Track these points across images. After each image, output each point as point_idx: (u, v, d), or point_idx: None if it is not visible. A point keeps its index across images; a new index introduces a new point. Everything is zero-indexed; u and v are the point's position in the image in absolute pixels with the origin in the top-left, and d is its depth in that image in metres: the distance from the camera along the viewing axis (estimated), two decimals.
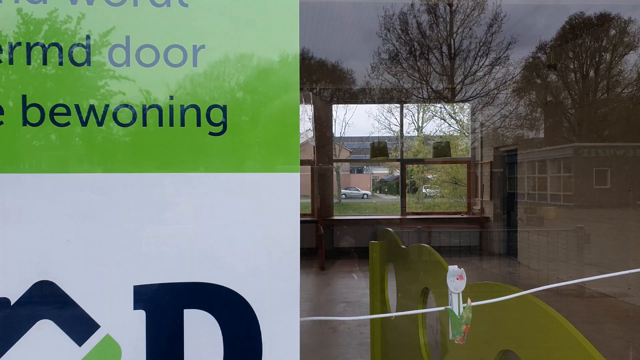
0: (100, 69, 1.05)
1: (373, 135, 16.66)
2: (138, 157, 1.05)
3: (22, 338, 0.98)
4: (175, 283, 1.02)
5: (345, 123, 24.16)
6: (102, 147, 1.04)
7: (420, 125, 16.08)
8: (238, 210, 1.04)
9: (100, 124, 1.04)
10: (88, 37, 1.04)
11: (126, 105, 1.05)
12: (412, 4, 13.18)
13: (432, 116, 15.55)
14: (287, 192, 1.05)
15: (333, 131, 10.30)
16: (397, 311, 3.08)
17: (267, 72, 1.06)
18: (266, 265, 1.06)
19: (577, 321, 4.82)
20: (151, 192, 1.04)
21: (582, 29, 11.15)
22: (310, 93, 10.06)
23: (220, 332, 1.01)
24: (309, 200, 10.06)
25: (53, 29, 1.03)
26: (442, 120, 15.16)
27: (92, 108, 1.04)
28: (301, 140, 15.87)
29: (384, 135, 16.04)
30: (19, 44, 1.02)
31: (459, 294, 1.06)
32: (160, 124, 1.05)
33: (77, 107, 1.03)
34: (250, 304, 1.03)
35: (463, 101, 12.92)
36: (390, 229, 3.28)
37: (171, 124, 1.05)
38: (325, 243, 9.11)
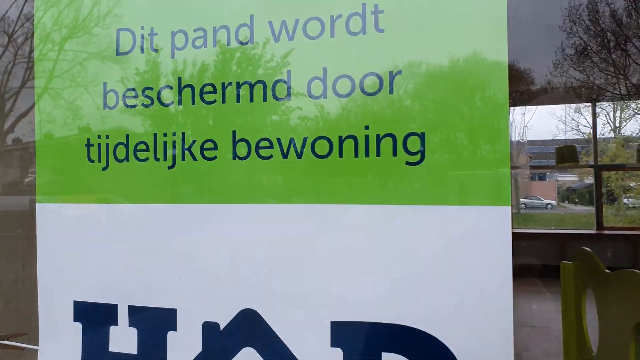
0: (300, 102, 1.07)
1: (557, 138, 15.10)
2: (332, 189, 1.04)
3: None
4: (373, 323, 0.97)
5: (524, 126, 22.41)
6: (299, 179, 1.06)
7: (617, 125, 14.07)
8: (439, 247, 0.96)
9: (299, 156, 1.06)
10: (289, 72, 1.07)
11: (323, 137, 1.05)
12: None
13: (633, 114, 13.47)
14: (496, 227, 0.94)
15: (511, 135, 9.55)
16: (600, 347, 2.67)
17: (471, 95, 0.97)
18: (472, 310, 0.96)
19: None
20: (344, 224, 1.02)
21: None
22: None
23: None
24: None
25: (258, 67, 1.08)
26: None
27: (292, 141, 1.06)
28: None
29: (571, 137, 14.43)
30: (230, 83, 1.09)
31: None
32: (356, 155, 1.02)
33: (278, 140, 1.07)
34: (454, 354, 0.94)
35: None
36: (588, 249, 2.87)
37: (366, 154, 1.02)
38: None
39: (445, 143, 0.98)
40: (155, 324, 1.11)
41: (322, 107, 1.05)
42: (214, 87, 1.10)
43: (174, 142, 1.13)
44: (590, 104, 10.07)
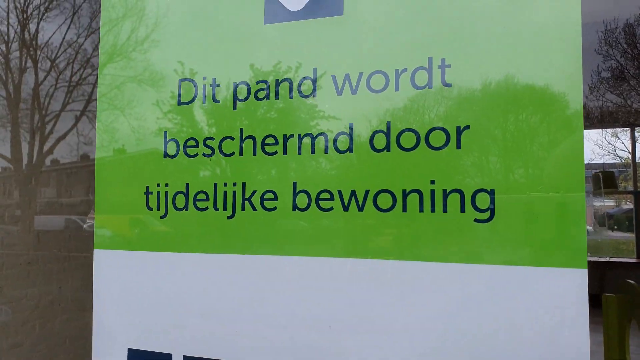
0: (362, 155, 1.05)
1: (593, 162, 14.66)
2: (395, 244, 1.02)
3: None
4: None
5: None
6: (360, 233, 1.04)
7: None
8: (508, 310, 0.92)
9: (360, 209, 1.04)
10: (351, 125, 1.06)
11: (386, 191, 1.03)
12: None
13: None
14: (571, 292, 0.89)
15: None
16: None
17: (544, 151, 0.94)
18: None
19: None
20: (406, 281, 0.99)
21: None
22: None
23: None
24: None
25: (321, 120, 1.07)
26: None
27: (353, 193, 1.05)
28: None
29: (608, 162, 14.00)
30: (292, 135, 1.09)
31: None
32: (421, 210, 1.00)
33: (339, 192, 1.05)
34: None
35: None
36: (632, 282, 2.75)
37: (432, 210, 0.99)
38: None
39: (517, 201, 0.95)
40: None
41: (385, 160, 1.03)
42: (276, 139, 1.10)
43: (234, 192, 1.12)
44: (628, 128, 9.82)
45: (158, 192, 1.19)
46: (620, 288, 3.08)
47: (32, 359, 2.78)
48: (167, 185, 1.19)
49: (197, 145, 1.17)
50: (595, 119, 10.70)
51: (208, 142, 1.16)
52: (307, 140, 1.08)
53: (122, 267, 1.22)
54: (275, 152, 1.10)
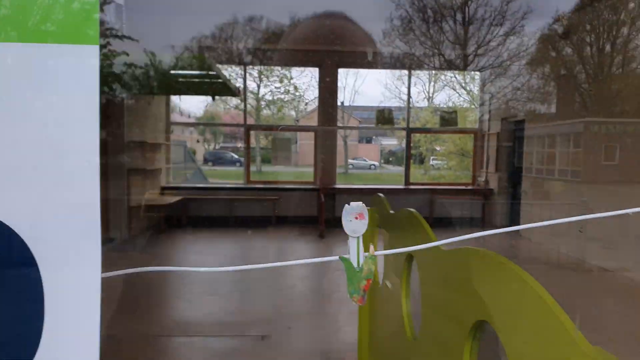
0: None
1: (383, 104, 16.40)
2: None
3: None
4: None
5: (355, 91, 23.86)
6: None
7: (430, 95, 15.78)
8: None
9: None
10: None
11: None
12: None
13: (444, 86, 15.23)
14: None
15: (338, 95, 10.10)
16: (384, 277, 3.01)
17: None
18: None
19: (574, 295, 4.72)
20: None
21: (600, 1, 10.74)
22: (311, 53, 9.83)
23: None
24: (312, 169, 9.97)
25: None
26: (453, 91, 14.86)
27: None
28: (309, 108, 15.63)
29: (395, 105, 15.77)
30: None
31: (358, 238, 0.78)
32: None
33: None
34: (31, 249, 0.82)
35: (474, 70, 12.66)
36: (381, 194, 3.18)
37: None
38: (326, 211, 9.05)
39: None
40: None
41: None
42: None
43: None
44: (407, 72, 11.07)
45: None
46: (372, 201, 3.55)
47: None
48: None
49: None
50: (386, 63, 11.82)
51: None
52: None
53: None
54: None
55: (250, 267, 0.86)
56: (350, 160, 21.36)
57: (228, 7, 11.70)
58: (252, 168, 17.15)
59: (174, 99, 10.23)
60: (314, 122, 10.07)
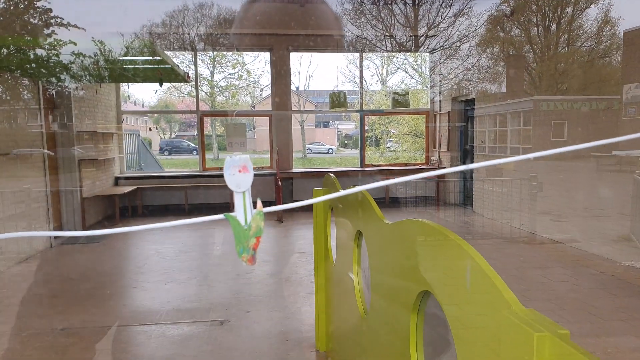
0: None
1: (338, 89, 16.47)
2: None
3: None
4: None
5: (310, 76, 23.80)
6: None
7: (384, 78, 15.93)
8: None
9: None
10: None
11: None
12: None
13: (396, 69, 15.41)
14: None
15: (291, 80, 10.04)
16: (337, 256, 3.07)
17: None
18: None
19: (526, 266, 4.92)
20: None
21: None
22: (268, 37, 9.72)
23: None
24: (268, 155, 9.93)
25: None
26: (405, 73, 15.06)
27: None
28: (265, 93, 15.46)
29: (350, 89, 15.85)
30: None
31: (244, 194, 0.71)
32: None
33: None
34: None
35: (425, 52, 12.88)
36: (332, 175, 3.22)
37: None
38: (283, 196, 9.05)
39: None
40: None
41: None
42: None
43: None
44: (359, 55, 11.10)
45: None
46: (324, 182, 3.58)
47: None
48: None
49: None
50: (338, 47, 11.81)
51: None
52: None
53: None
54: None
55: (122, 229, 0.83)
56: (308, 145, 21.41)
57: None
58: (210, 155, 16.92)
59: (125, 88, 9.92)
60: (269, 107, 10.00)
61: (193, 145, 20.08)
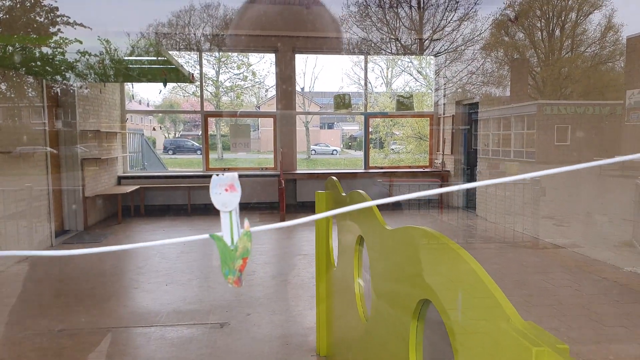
0: None
1: (343, 90, 16.45)
2: None
3: None
4: None
5: (315, 77, 23.81)
6: None
7: (388, 80, 15.91)
8: None
9: None
10: None
11: None
12: None
13: (401, 72, 15.39)
14: None
15: (297, 80, 10.05)
16: (338, 261, 3.06)
17: None
18: None
19: (529, 271, 4.90)
20: None
21: None
22: (274, 38, 9.73)
23: None
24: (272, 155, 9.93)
25: None
26: (410, 76, 15.04)
27: None
28: (270, 94, 15.47)
29: (354, 90, 15.85)
30: None
31: (230, 213, 0.69)
32: None
33: None
34: None
35: (430, 55, 12.85)
36: (334, 178, 3.21)
37: None
38: (286, 197, 9.05)
39: None
40: None
41: None
42: None
43: None
44: (364, 57, 11.09)
45: None
46: (327, 185, 3.58)
47: None
48: None
49: None
50: (344, 49, 11.81)
51: None
52: None
53: None
54: None
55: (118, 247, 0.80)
56: (312, 146, 21.40)
57: None
58: (214, 155, 16.93)
59: (130, 87, 9.94)
60: (274, 108, 10.00)
61: (197, 144, 20.10)
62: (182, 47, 11.03)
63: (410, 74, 14.89)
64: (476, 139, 9.41)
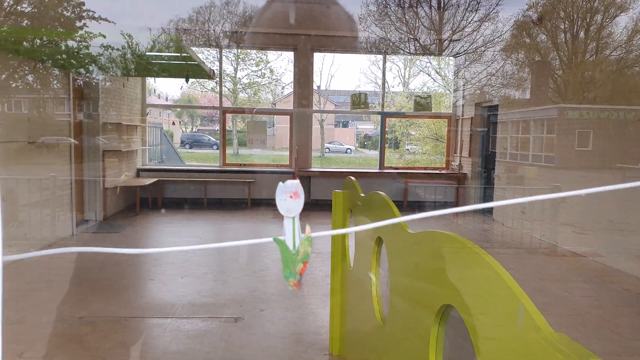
0: None
1: (359, 89, 16.40)
2: None
3: None
4: None
5: (331, 75, 23.76)
6: None
7: (406, 80, 15.82)
8: None
9: None
10: None
11: None
12: None
13: (419, 72, 15.28)
14: None
15: (313, 79, 10.05)
16: (355, 260, 3.05)
17: None
18: None
19: (547, 279, 4.84)
20: None
21: None
22: (291, 37, 9.74)
23: None
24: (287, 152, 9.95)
25: None
26: (428, 76, 14.93)
27: None
28: (286, 92, 15.51)
29: (371, 89, 15.79)
30: None
31: (293, 219, 0.74)
32: None
33: None
34: None
35: (449, 56, 12.75)
36: (352, 178, 3.21)
37: None
38: None
39: None
40: None
41: None
42: None
43: None
44: (382, 57, 11.05)
45: None
46: (345, 185, 3.57)
47: None
48: None
49: None
50: (362, 48, 11.78)
51: None
52: None
53: None
54: None
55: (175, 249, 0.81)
56: (326, 144, 21.37)
57: None
58: (230, 151, 17.03)
59: (150, 81, 10.05)
60: (290, 105, 10.02)
61: (214, 139, 20.23)
62: (201, 43, 11.10)
63: (428, 74, 14.78)
64: (494, 142, 9.32)
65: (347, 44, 10.13)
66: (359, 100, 9.67)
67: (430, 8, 13.10)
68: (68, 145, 6.61)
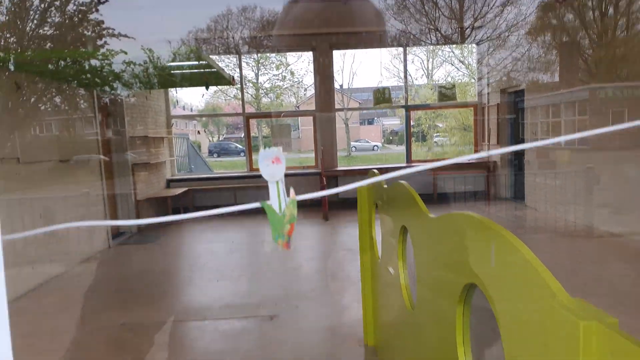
0: None
1: (382, 85, 16.35)
2: None
3: None
4: None
5: (353, 73, 23.71)
6: None
7: (429, 71, 15.68)
8: None
9: None
10: None
11: None
12: None
13: (442, 62, 15.13)
14: None
15: (334, 78, 10.07)
16: (382, 252, 3.06)
17: None
18: None
19: (583, 260, 4.73)
20: None
21: None
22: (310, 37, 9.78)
23: None
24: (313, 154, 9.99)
25: None
26: (452, 66, 14.77)
27: None
28: (309, 93, 15.55)
29: (394, 84, 15.71)
30: None
31: (277, 183, 0.77)
32: None
33: None
34: None
35: (472, 43, 12.56)
36: (375, 171, 3.21)
37: None
38: (329, 195, 9.07)
39: None
40: None
41: None
42: None
43: None
44: (403, 50, 10.98)
45: None
46: (368, 177, 3.58)
47: None
48: None
49: None
50: (382, 42, 11.74)
51: None
52: None
53: None
54: None
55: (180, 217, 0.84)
56: (352, 143, 21.35)
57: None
58: (256, 156, 17.18)
59: (174, 93, 10.28)
60: (313, 107, 10.07)
61: (240, 147, 20.49)
62: (221, 51, 11.27)
63: (451, 63, 14.62)
64: (523, 128, 9.12)
65: (366, 39, 10.11)
66: (382, 96, 9.63)
67: None
68: (98, 161, 6.83)
